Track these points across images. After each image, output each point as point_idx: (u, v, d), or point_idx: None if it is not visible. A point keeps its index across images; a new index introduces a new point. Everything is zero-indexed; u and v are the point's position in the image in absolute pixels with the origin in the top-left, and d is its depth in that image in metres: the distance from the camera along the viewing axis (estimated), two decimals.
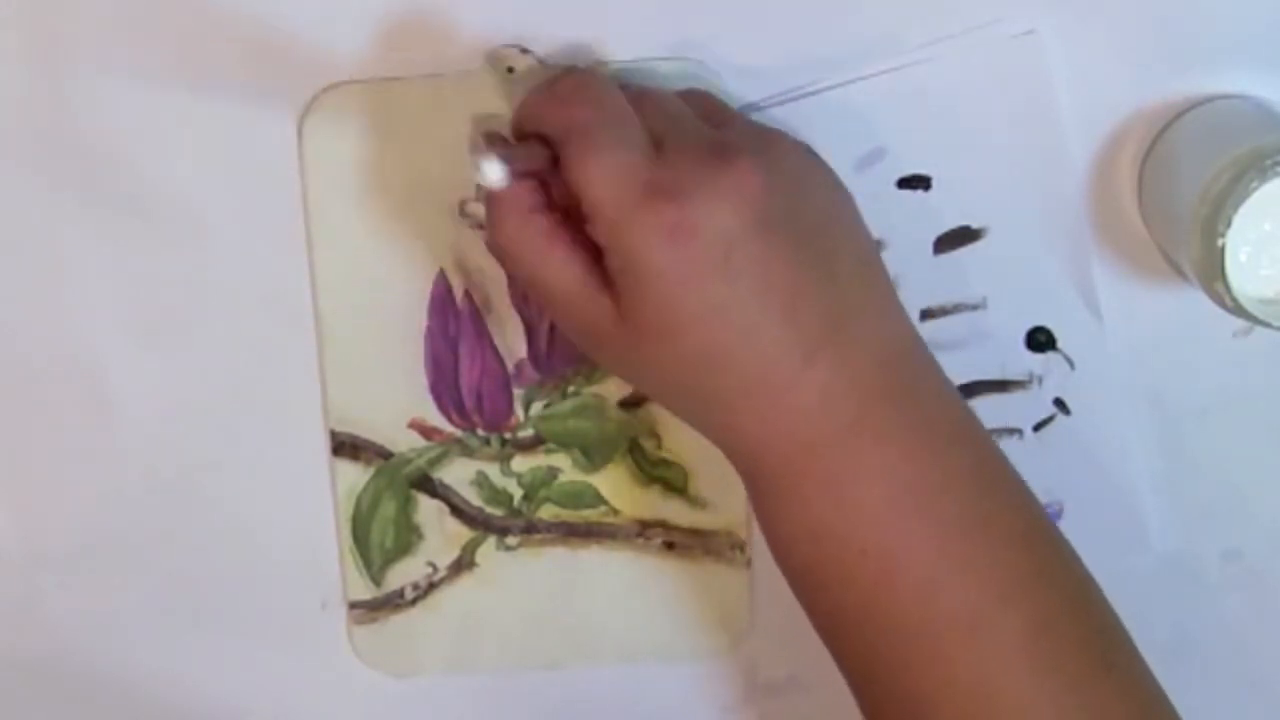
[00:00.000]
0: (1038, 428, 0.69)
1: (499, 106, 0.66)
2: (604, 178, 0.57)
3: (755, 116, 0.66)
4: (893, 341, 0.61)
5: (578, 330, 0.61)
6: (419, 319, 0.69)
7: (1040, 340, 0.69)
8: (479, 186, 0.63)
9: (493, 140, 0.59)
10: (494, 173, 0.57)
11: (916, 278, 0.68)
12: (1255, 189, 0.60)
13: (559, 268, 0.59)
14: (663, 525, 0.70)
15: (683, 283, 0.57)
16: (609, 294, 0.59)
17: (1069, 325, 0.68)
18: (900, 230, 0.67)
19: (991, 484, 0.61)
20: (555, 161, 0.59)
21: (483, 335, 0.69)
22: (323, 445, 0.70)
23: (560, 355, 0.69)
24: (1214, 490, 0.70)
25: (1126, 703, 0.60)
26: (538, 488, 0.70)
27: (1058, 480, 0.69)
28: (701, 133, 0.60)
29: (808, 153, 0.62)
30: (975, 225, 0.68)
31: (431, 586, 0.71)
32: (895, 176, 0.67)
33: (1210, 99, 0.66)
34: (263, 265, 0.68)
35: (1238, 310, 0.61)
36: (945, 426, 0.61)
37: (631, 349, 0.59)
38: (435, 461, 0.70)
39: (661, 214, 0.57)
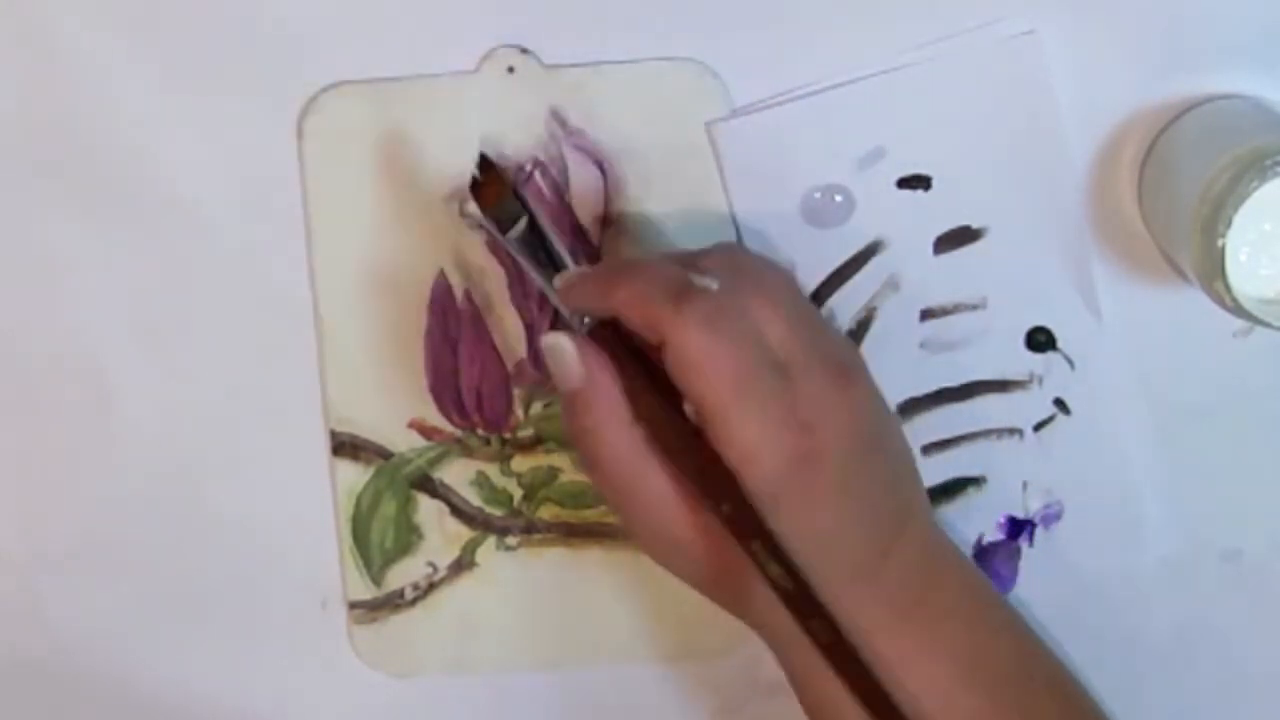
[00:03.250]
0: (1038, 428, 0.69)
1: (498, 112, 0.66)
2: (753, 419, 0.58)
3: (755, 116, 0.66)
4: (929, 526, 0.65)
5: (658, 542, 0.62)
6: (419, 319, 0.69)
7: (1040, 340, 0.69)
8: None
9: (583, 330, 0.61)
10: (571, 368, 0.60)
11: (916, 278, 0.68)
12: (1255, 189, 0.60)
13: (659, 487, 0.61)
14: None
15: (804, 508, 0.59)
16: (699, 509, 0.61)
17: (1069, 325, 0.68)
18: (900, 230, 0.67)
19: (1021, 634, 0.66)
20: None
21: (483, 335, 0.69)
22: (323, 445, 0.70)
23: None
24: (1214, 490, 0.70)
25: None
26: (538, 488, 0.70)
27: (1058, 480, 0.69)
28: (818, 345, 0.61)
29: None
30: (975, 225, 0.68)
31: (431, 586, 0.71)
32: (895, 176, 0.67)
33: (1210, 99, 0.66)
34: (263, 265, 0.68)
35: (1238, 310, 0.61)
36: (980, 593, 0.65)
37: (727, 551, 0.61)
38: (435, 461, 0.70)
39: (797, 445, 0.59)
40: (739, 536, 0.60)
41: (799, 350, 0.60)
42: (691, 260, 0.62)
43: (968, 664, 0.62)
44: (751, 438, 0.58)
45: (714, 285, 0.59)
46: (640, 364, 0.61)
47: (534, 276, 0.63)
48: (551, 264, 0.63)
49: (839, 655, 0.59)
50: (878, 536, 0.61)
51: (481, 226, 0.67)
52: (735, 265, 0.62)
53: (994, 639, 0.64)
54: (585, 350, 0.61)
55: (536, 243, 0.63)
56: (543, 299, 0.68)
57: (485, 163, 0.64)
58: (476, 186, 0.64)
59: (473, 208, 0.67)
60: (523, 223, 0.62)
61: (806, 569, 0.59)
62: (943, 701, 0.61)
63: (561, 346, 0.61)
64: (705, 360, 0.58)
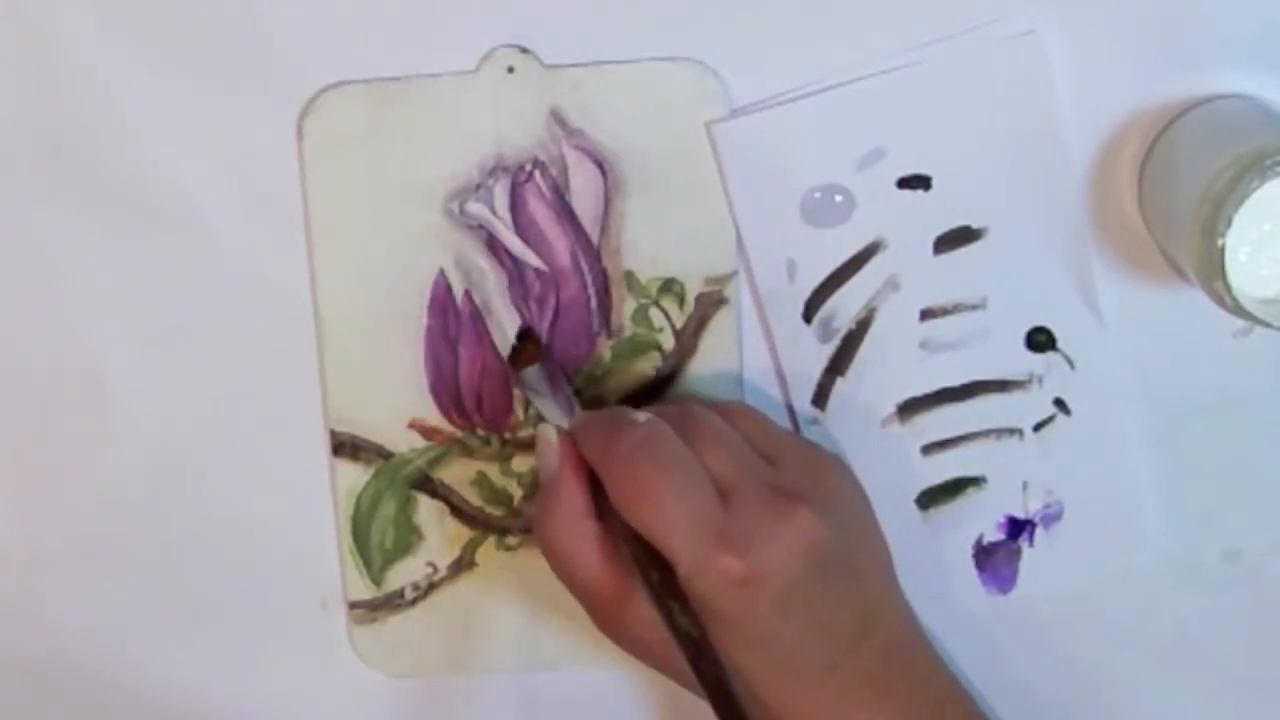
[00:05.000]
0: (1038, 428, 0.69)
1: (498, 112, 0.66)
2: (679, 534, 0.62)
3: (755, 116, 0.66)
4: (894, 630, 0.66)
5: (598, 615, 0.65)
6: (419, 319, 0.69)
7: (1040, 340, 0.69)
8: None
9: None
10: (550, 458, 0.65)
11: (916, 278, 0.68)
12: (1255, 189, 0.60)
13: (594, 571, 0.64)
14: None
15: (741, 622, 0.62)
16: (632, 598, 0.64)
17: (1069, 325, 0.68)
18: (900, 230, 0.67)
19: None
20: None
21: (483, 335, 0.69)
22: (323, 445, 0.70)
23: (560, 355, 0.69)
24: (1214, 490, 0.70)
25: None
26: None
27: (1058, 480, 0.69)
28: (762, 476, 0.64)
29: (843, 468, 0.67)
30: (975, 225, 0.68)
31: (431, 586, 0.71)
32: (895, 176, 0.67)
33: (1210, 99, 0.66)
34: (263, 265, 0.68)
35: (1238, 310, 0.61)
36: (938, 691, 0.67)
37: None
38: (435, 461, 0.70)
39: (732, 568, 0.61)
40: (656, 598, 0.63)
41: (737, 478, 0.63)
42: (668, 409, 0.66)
43: None
44: (685, 559, 0.61)
45: (643, 418, 0.63)
46: None
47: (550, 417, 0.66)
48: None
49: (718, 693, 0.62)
50: (827, 652, 0.63)
51: (481, 226, 0.67)
52: (685, 404, 0.66)
53: None
54: (565, 447, 0.65)
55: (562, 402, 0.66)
56: (543, 299, 0.68)
57: (525, 332, 0.68)
58: (514, 353, 0.68)
59: (473, 207, 0.67)
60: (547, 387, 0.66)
61: (747, 670, 0.62)
62: None
63: (547, 437, 0.65)
64: (636, 487, 0.62)
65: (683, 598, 0.62)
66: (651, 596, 0.63)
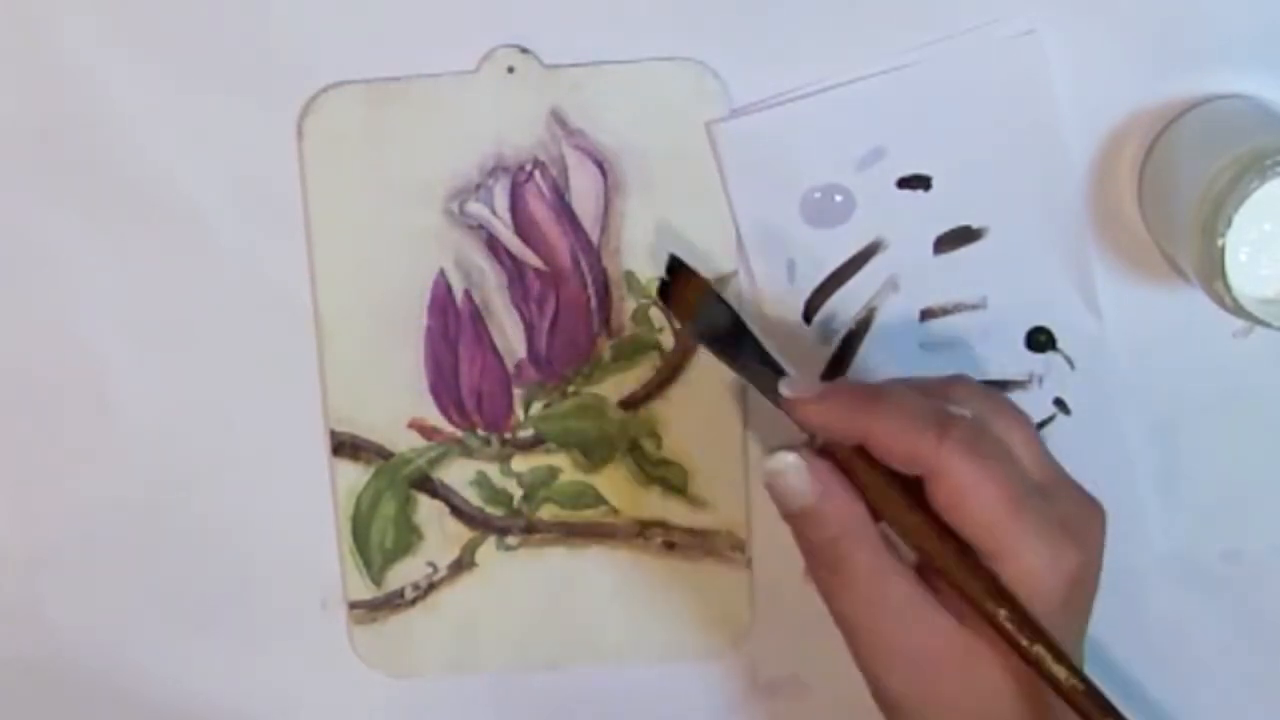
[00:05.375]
0: (1038, 428, 0.69)
1: (498, 112, 0.66)
2: (1041, 557, 0.58)
3: (755, 116, 0.66)
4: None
5: (892, 654, 0.60)
6: (419, 319, 0.69)
7: (1040, 340, 0.69)
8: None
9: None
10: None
11: (916, 278, 0.68)
12: (1255, 189, 0.60)
13: (904, 593, 0.59)
14: (663, 525, 0.70)
15: (1064, 621, 0.59)
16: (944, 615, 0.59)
17: (1069, 325, 0.68)
18: (900, 230, 0.67)
19: None
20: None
21: (483, 335, 0.69)
22: (323, 445, 0.70)
23: (560, 355, 0.69)
24: (1214, 490, 0.70)
25: None
26: (538, 488, 0.70)
27: None
28: (1063, 471, 0.61)
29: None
30: (975, 225, 0.68)
31: (431, 586, 0.71)
32: (895, 176, 0.67)
33: (1210, 99, 0.66)
34: (263, 265, 0.68)
35: (1238, 310, 0.61)
36: None
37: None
38: (435, 461, 0.70)
39: (1073, 562, 0.58)
40: (1020, 641, 0.58)
41: (1051, 471, 0.61)
42: (935, 389, 0.61)
43: None
44: (1032, 559, 0.58)
45: (968, 414, 0.59)
46: (887, 479, 0.60)
47: (747, 382, 0.61)
48: (766, 367, 0.61)
49: None
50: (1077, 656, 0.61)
51: (482, 226, 0.67)
52: (979, 393, 0.62)
53: None
54: (817, 467, 0.59)
55: (749, 347, 0.61)
56: (543, 299, 0.68)
57: (675, 264, 0.63)
58: (666, 291, 0.63)
59: (473, 207, 0.67)
60: (727, 326, 0.61)
61: None
62: None
63: (791, 466, 0.59)
64: (977, 487, 0.58)
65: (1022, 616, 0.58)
66: (1011, 639, 0.58)
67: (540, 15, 0.66)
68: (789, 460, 0.59)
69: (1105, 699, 0.58)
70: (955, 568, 0.59)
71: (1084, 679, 0.58)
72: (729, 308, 0.62)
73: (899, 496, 0.59)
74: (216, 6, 0.66)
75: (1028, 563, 0.58)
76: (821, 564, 0.60)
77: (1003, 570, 0.58)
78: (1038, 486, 0.60)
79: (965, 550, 0.59)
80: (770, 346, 0.61)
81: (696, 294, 0.63)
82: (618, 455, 0.70)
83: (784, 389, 0.60)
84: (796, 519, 0.60)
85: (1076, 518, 0.60)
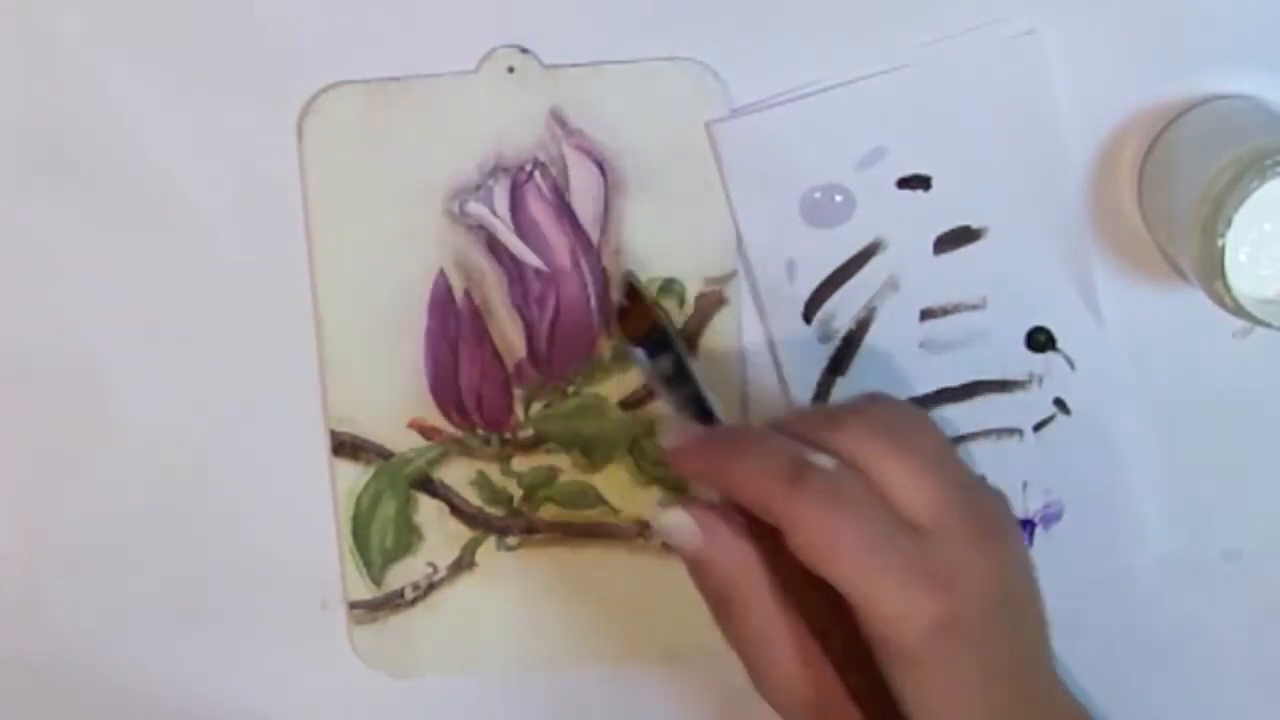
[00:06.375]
0: (1038, 428, 0.69)
1: (498, 112, 0.66)
2: (898, 603, 0.57)
3: (755, 116, 0.66)
4: (1048, 687, 0.63)
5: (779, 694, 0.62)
6: (419, 319, 0.69)
7: (1040, 340, 0.69)
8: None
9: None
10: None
11: (916, 278, 0.68)
12: (1255, 189, 0.60)
13: (823, 685, 0.61)
14: None
15: (934, 671, 0.58)
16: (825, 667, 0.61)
17: (1069, 325, 0.68)
18: (900, 230, 0.67)
19: None
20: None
21: (483, 335, 0.69)
22: (323, 445, 0.70)
23: (560, 355, 0.69)
24: (1214, 490, 0.70)
25: None
26: (538, 488, 0.70)
27: (1058, 480, 0.69)
28: (962, 506, 0.59)
29: (1005, 501, 0.63)
30: (975, 225, 0.68)
31: (431, 586, 0.71)
32: (895, 176, 0.67)
33: (1210, 99, 0.66)
34: (263, 265, 0.68)
35: (1238, 310, 0.61)
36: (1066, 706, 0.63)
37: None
38: (435, 461, 0.70)
39: (937, 607, 0.57)
40: (863, 704, 0.60)
41: (938, 509, 0.59)
42: (829, 417, 0.61)
43: None
44: (890, 606, 0.58)
45: (829, 464, 0.59)
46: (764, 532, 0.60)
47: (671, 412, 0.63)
48: (691, 404, 0.63)
49: None
50: (997, 704, 0.60)
51: (482, 226, 0.67)
52: (874, 423, 0.60)
53: None
54: (706, 518, 0.60)
55: (679, 379, 0.63)
56: (543, 299, 0.68)
57: (631, 289, 0.65)
58: (622, 313, 0.65)
59: (473, 207, 0.67)
60: (666, 359, 0.63)
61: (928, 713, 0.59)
62: None
63: (673, 521, 0.61)
64: (828, 539, 0.58)
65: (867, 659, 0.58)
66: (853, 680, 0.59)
67: (540, 15, 0.66)
68: (670, 517, 0.61)
69: None
70: (823, 622, 0.60)
71: None
72: (670, 340, 0.64)
73: (776, 547, 0.59)
74: (217, 6, 0.66)
75: (885, 610, 0.58)
76: (712, 607, 0.61)
77: (862, 616, 0.58)
78: (908, 527, 0.58)
79: (837, 600, 0.58)
80: (706, 390, 0.63)
81: (644, 319, 0.64)
82: (618, 455, 0.70)
83: (662, 439, 0.62)
84: (688, 565, 0.61)
85: (956, 559, 0.58)
